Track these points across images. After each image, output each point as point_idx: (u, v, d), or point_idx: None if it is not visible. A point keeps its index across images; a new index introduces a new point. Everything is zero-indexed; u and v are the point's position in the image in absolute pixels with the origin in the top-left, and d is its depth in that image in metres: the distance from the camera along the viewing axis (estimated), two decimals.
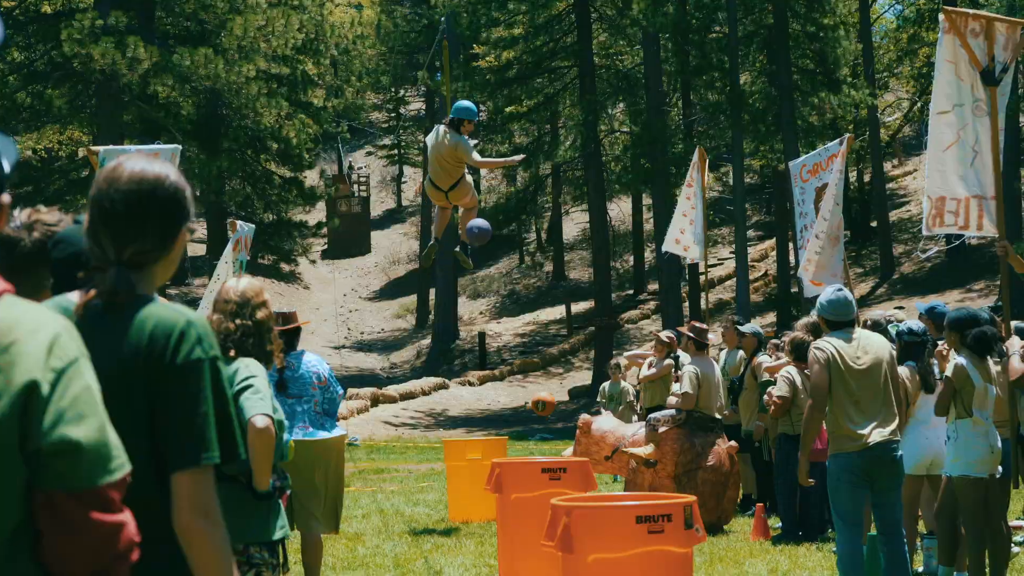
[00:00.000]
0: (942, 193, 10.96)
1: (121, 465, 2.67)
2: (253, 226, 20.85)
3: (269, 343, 6.24)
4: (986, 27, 10.86)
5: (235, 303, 6.22)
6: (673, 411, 14.97)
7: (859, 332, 9.43)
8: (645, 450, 14.53)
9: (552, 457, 11.89)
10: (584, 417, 14.84)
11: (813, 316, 11.15)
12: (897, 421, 9.27)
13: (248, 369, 6.05)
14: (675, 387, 15.56)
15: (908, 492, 10.84)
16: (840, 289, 9.56)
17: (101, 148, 14.20)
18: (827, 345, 9.16)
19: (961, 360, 10.04)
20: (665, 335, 18.25)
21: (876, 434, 9.07)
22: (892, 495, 9.30)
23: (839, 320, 9.35)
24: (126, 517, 2.69)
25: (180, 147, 14.93)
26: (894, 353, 9.63)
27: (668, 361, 17.50)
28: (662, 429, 14.72)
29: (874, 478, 9.20)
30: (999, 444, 10.13)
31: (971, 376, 9.98)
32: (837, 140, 17.36)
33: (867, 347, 9.25)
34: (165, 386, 3.14)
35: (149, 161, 3.36)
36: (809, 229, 15.94)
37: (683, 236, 21.84)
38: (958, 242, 34.06)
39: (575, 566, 7.66)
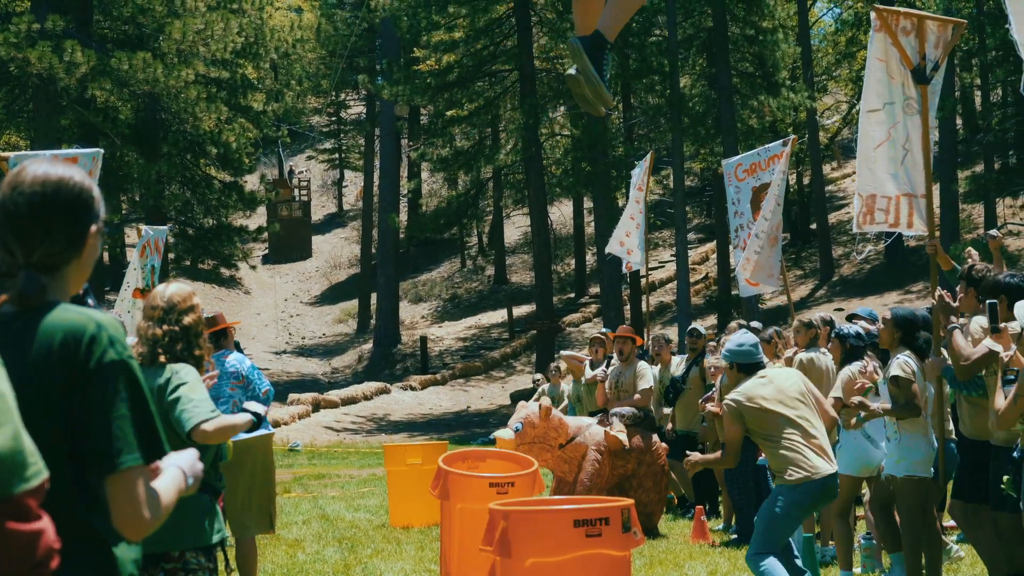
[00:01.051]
0: (872, 191, 11.00)
1: (38, 472, 2.63)
2: (165, 228, 20.65)
3: (198, 347, 6.23)
4: (918, 25, 10.91)
5: (162, 309, 6.22)
6: (634, 408, 14.97)
7: (769, 372, 9.62)
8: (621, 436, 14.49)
9: (498, 474, 11.83)
10: (545, 402, 14.75)
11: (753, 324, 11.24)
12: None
13: (179, 376, 6.03)
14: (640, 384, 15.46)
15: (846, 494, 10.89)
16: (745, 333, 9.76)
17: (12, 154, 14.02)
18: (739, 397, 9.31)
19: (908, 359, 10.07)
20: (600, 332, 18.27)
21: (826, 464, 9.24)
22: None
23: (748, 363, 9.51)
24: (44, 524, 2.65)
25: (102, 151, 14.76)
26: (806, 379, 9.77)
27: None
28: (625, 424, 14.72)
29: (818, 505, 9.49)
30: (935, 443, 10.21)
31: (918, 376, 10.04)
32: (780, 141, 17.39)
33: (781, 384, 9.44)
34: (80, 391, 3.11)
35: (53, 164, 3.33)
36: (745, 229, 15.98)
37: (628, 240, 21.80)
38: (890, 240, 34.31)
39: (513, 570, 7.64)
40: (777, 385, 9.43)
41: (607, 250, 23.45)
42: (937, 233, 11.04)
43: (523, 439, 13.53)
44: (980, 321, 9.46)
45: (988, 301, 9.14)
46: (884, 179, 10.87)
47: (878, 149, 10.83)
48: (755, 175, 16.26)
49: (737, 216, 16.53)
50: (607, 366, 16.42)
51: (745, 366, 9.54)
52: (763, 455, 9.83)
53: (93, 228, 3.34)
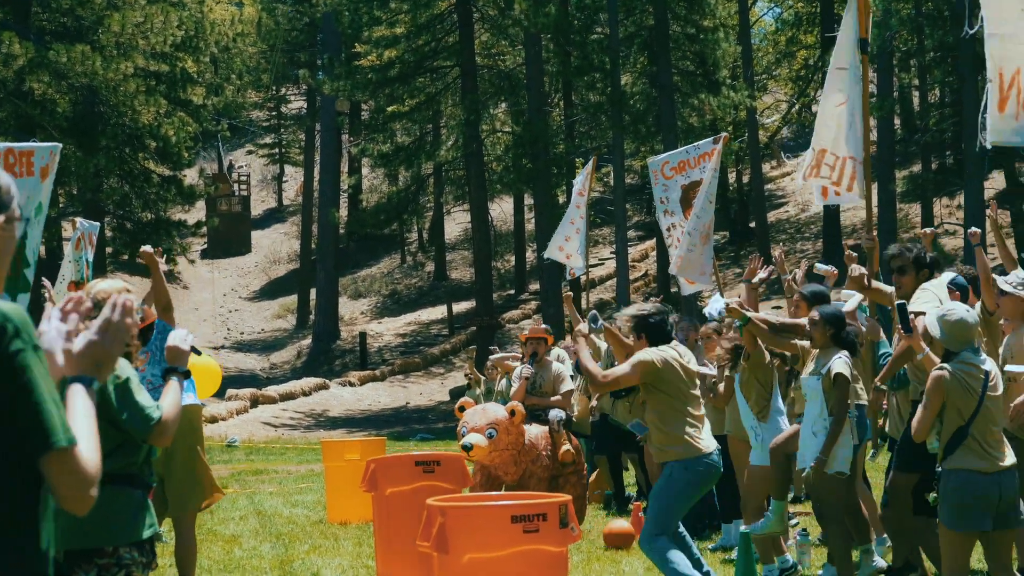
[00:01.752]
0: (824, 146, 11.13)
1: None
2: (97, 224, 20.52)
3: (128, 343, 6.17)
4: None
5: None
6: (563, 413, 14.94)
7: (679, 347, 9.90)
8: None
9: (426, 451, 11.86)
10: (517, 406, 14.61)
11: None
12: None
13: (122, 372, 5.98)
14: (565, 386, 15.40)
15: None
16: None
17: None
18: (670, 353, 9.62)
19: (847, 360, 10.09)
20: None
21: (713, 442, 9.54)
22: None
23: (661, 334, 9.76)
24: None
25: (59, 145, 14.63)
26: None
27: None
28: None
29: (710, 485, 9.72)
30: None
31: (851, 371, 10.10)
32: (710, 139, 17.39)
33: (690, 360, 9.74)
34: None
35: None
36: (677, 227, 15.97)
37: (567, 244, 21.66)
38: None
39: (450, 566, 7.63)
40: (688, 359, 9.66)
41: (546, 255, 23.37)
42: (875, 232, 11.14)
43: (496, 446, 13.38)
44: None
45: (898, 303, 9.28)
46: (838, 137, 11.01)
47: (839, 108, 10.97)
48: (684, 173, 16.19)
49: (668, 215, 16.47)
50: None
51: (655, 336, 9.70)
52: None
53: (1, 219, 3.29)
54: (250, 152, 72.86)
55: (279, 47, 58.33)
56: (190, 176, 51.99)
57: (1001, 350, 9.63)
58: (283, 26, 58.74)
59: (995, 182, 43.31)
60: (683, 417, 9.50)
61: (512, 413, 13.40)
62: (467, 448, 12.74)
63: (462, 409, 13.63)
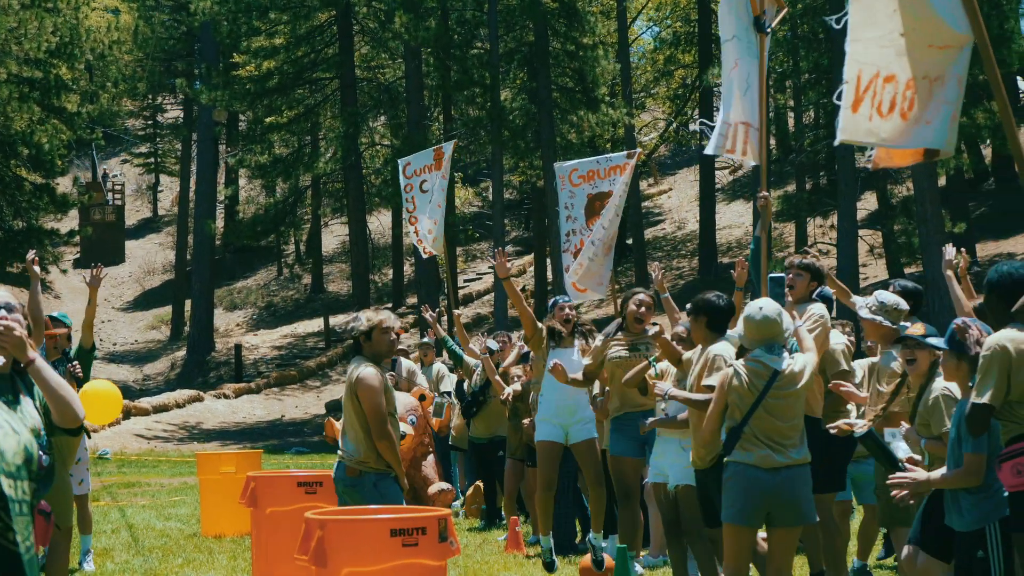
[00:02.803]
0: (727, 113, 11.21)
1: None
2: None
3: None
4: None
5: None
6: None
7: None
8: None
9: (307, 471, 11.79)
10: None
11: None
12: None
13: None
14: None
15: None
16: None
17: None
18: None
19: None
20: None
21: None
22: None
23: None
24: None
25: None
26: None
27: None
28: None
29: None
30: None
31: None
32: (623, 152, 17.47)
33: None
34: None
35: None
36: (577, 234, 15.95)
37: (435, 227, 21.17)
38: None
39: None
40: None
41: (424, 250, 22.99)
42: (767, 192, 11.23)
43: (416, 432, 13.34)
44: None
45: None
46: (731, 103, 11.10)
47: (732, 72, 11.09)
48: (592, 182, 16.16)
49: (569, 220, 16.40)
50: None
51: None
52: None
53: None
54: (125, 161, 72.00)
55: (155, 55, 57.69)
56: (63, 184, 51.26)
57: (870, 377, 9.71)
58: (160, 34, 58.08)
59: (867, 203, 44.01)
60: None
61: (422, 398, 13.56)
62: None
63: (423, 398, 13.77)
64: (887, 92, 7.51)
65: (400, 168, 20.11)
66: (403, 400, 13.53)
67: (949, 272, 11.34)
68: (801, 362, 8.71)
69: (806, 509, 8.66)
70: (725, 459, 8.65)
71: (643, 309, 11.47)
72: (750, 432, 8.54)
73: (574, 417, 11.97)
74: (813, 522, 8.89)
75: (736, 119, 11.08)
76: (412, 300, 50.25)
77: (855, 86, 7.55)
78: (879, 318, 9.33)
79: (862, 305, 9.47)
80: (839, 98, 7.57)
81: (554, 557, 12.09)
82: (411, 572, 7.53)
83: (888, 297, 9.45)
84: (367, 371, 9.33)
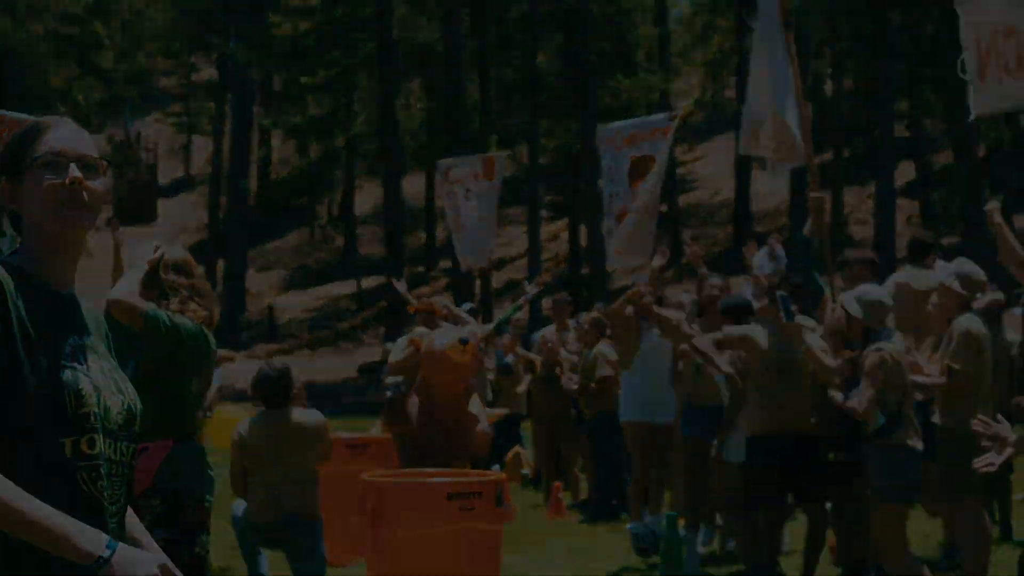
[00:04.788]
0: (760, 117, 10.99)
1: None
2: None
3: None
4: None
5: None
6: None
7: None
8: None
9: (356, 433, 11.73)
10: None
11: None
12: None
13: None
14: None
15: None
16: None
17: None
18: None
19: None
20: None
21: None
22: None
23: None
24: None
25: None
26: None
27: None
28: None
29: None
30: None
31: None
32: (664, 115, 17.12)
33: None
34: None
35: None
36: (620, 197, 15.68)
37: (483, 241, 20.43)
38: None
39: (385, 543, 7.51)
40: None
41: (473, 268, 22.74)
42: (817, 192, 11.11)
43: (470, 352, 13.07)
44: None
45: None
46: (772, 103, 10.87)
47: (764, 76, 10.88)
48: (636, 145, 15.90)
49: (613, 183, 16.14)
50: None
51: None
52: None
53: None
54: (158, 120, 72.02)
55: (191, 13, 57.54)
56: (97, 142, 51.24)
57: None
58: None
59: (905, 172, 43.71)
60: None
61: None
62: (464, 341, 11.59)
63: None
64: (1010, 48, 7.16)
65: (441, 171, 19.45)
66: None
67: (998, 219, 11.15)
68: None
69: None
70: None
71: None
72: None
73: (659, 398, 11.99)
74: None
75: (768, 115, 10.90)
76: (445, 264, 50.18)
77: (975, 52, 7.23)
78: (956, 285, 9.17)
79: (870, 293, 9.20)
80: (963, 70, 7.28)
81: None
82: (467, 536, 7.48)
83: (969, 266, 9.31)
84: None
